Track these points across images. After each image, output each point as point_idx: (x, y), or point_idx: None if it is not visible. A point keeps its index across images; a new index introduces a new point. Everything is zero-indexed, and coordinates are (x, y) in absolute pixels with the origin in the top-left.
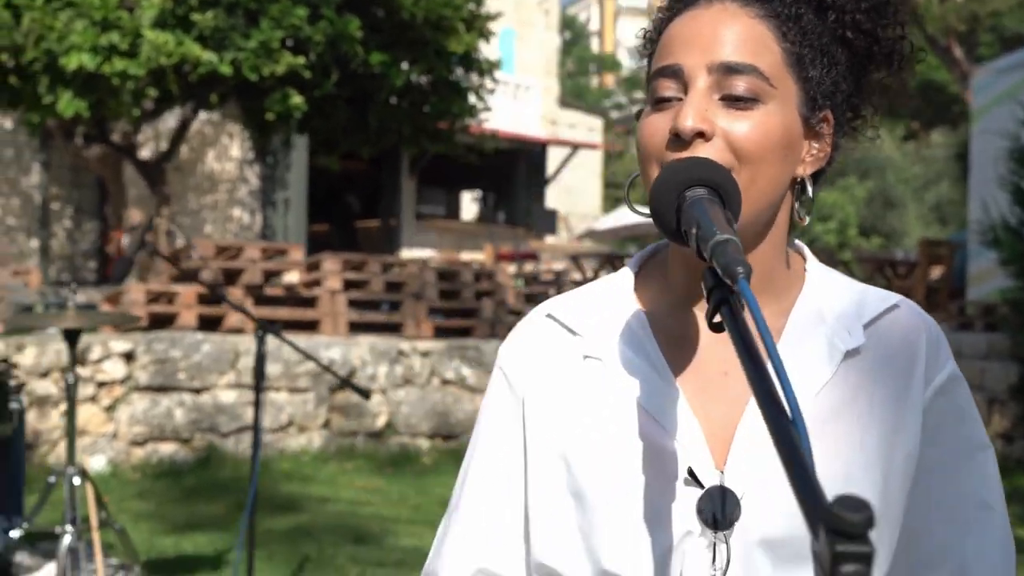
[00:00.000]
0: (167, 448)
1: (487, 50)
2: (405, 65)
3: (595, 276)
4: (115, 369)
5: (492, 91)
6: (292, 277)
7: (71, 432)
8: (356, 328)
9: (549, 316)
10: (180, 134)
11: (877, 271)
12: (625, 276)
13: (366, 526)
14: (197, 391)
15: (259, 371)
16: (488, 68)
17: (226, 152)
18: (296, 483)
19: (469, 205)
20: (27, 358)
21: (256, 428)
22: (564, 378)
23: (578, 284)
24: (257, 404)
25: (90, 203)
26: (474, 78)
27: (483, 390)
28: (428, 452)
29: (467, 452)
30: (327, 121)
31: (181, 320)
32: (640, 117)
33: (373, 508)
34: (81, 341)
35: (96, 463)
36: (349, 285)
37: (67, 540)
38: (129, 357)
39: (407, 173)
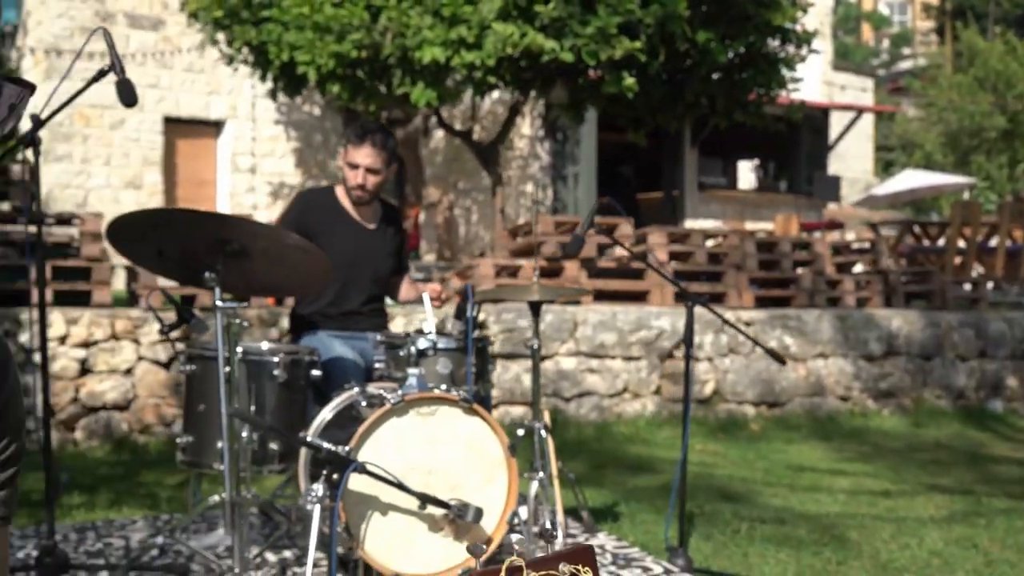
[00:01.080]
0: (517, 411)
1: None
2: (726, 41)
3: (898, 244)
4: None
5: (803, 60)
6: (622, 249)
7: (536, 393)
8: (679, 298)
9: None
10: (511, 118)
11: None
12: None
13: (727, 486)
14: (541, 358)
15: (688, 339)
16: (806, 39)
17: (518, 130)
18: (640, 446)
19: (746, 175)
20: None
21: (686, 398)
22: None
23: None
24: (687, 372)
25: (390, 182)
26: (790, 49)
27: (805, 359)
28: (754, 419)
29: None
30: (646, 99)
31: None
32: None
33: (723, 470)
34: None
35: None
36: (672, 257)
37: (534, 486)
38: (480, 327)
39: (689, 145)
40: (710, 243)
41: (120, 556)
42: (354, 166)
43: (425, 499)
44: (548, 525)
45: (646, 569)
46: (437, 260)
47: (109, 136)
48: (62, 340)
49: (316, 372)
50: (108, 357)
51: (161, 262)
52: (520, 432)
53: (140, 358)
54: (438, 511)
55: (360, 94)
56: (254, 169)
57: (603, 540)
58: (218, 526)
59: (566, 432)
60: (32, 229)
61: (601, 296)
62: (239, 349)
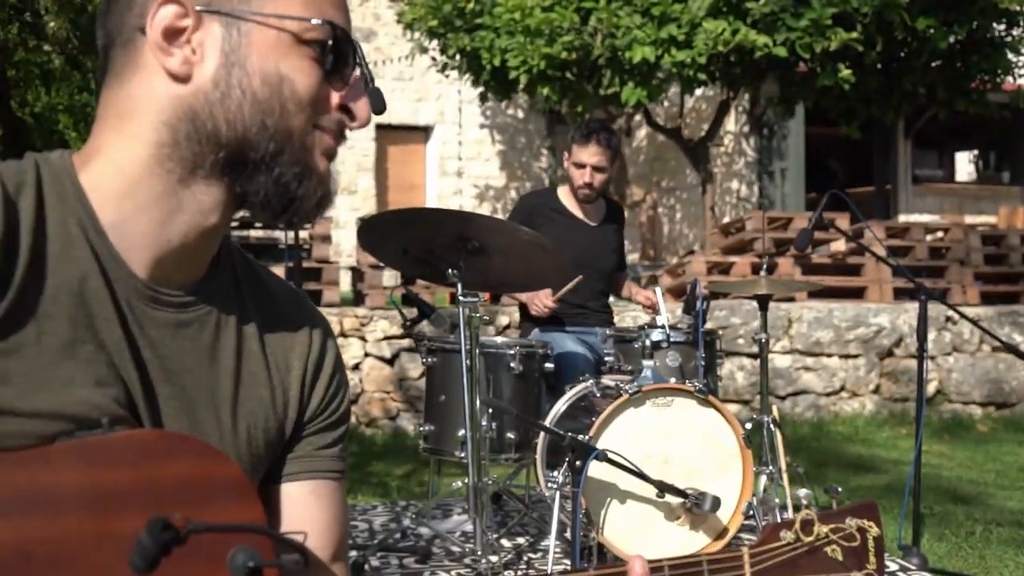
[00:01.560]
0: (731, 409)
1: None
2: (947, 27)
3: None
4: None
5: None
6: (838, 245)
7: (763, 386)
8: (901, 295)
9: None
10: (720, 115)
11: None
12: None
13: (957, 487)
14: (754, 356)
15: (922, 333)
16: None
17: (724, 126)
18: (859, 445)
19: (964, 166)
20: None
21: (920, 396)
22: None
23: None
24: (921, 370)
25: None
26: (1016, 32)
27: None
28: (982, 419)
29: None
30: (861, 90)
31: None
32: None
33: (952, 472)
34: None
35: None
36: (891, 252)
37: (763, 480)
38: None
39: (902, 136)
40: (929, 238)
41: (366, 538)
42: (581, 165)
43: (663, 487)
44: (779, 519)
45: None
46: (640, 259)
47: None
48: None
49: (549, 365)
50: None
51: (405, 260)
52: (748, 425)
53: (367, 355)
54: (675, 500)
55: (568, 95)
56: (460, 172)
57: None
58: (454, 512)
59: (782, 430)
60: (290, 233)
61: (816, 293)
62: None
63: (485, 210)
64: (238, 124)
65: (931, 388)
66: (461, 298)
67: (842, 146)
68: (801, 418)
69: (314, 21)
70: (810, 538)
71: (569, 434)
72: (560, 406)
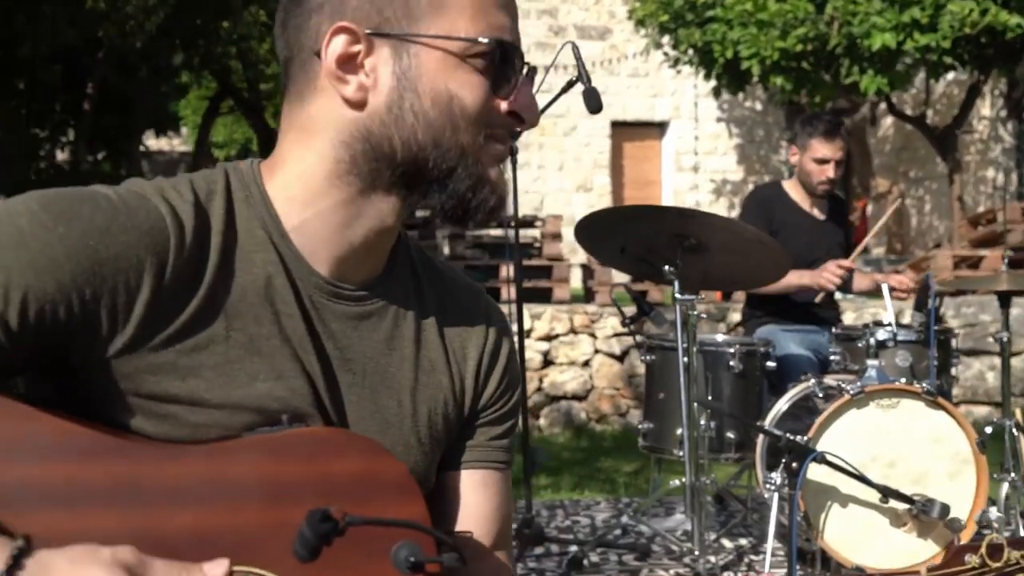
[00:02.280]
0: (980, 411)
1: None
2: None
3: None
4: None
5: None
6: None
7: (1005, 388)
8: None
9: None
10: (970, 100)
11: None
12: None
13: None
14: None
15: None
16: None
17: (977, 112)
18: None
19: None
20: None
21: None
22: None
23: None
24: None
25: None
26: None
27: None
28: None
29: None
30: None
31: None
32: None
33: None
34: None
35: None
36: None
37: (1004, 487)
38: None
39: None
40: None
41: (587, 533)
42: (824, 161)
43: (886, 492)
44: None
45: None
46: (887, 253)
47: (562, 143)
48: (527, 334)
49: (771, 363)
50: (568, 350)
51: (622, 258)
52: (988, 429)
53: (596, 351)
54: (900, 506)
55: (804, 86)
56: (697, 168)
57: None
58: (676, 511)
59: None
60: (510, 232)
61: None
62: (696, 340)
63: (722, 205)
64: (412, 145)
65: None
66: (678, 296)
67: None
68: None
69: (481, 40)
70: (998, 564)
71: (786, 435)
72: (781, 405)
